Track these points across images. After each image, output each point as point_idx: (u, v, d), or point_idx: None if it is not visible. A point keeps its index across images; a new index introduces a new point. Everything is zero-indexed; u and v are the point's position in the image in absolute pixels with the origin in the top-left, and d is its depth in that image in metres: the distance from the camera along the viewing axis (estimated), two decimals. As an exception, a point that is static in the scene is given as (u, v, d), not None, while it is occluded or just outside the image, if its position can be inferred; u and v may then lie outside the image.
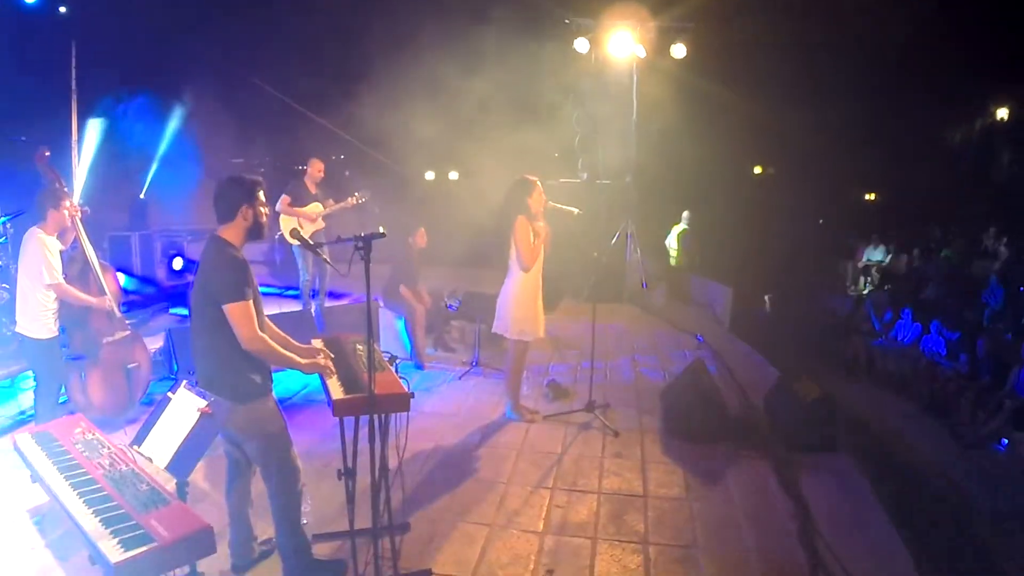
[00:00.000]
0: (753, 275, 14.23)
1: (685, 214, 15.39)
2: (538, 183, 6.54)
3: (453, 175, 21.26)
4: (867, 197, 25.71)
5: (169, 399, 3.95)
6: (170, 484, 3.76)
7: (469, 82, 12.15)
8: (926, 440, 8.74)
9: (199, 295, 3.96)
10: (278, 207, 9.81)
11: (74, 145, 11.99)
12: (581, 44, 12.97)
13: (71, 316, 6.10)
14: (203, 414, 3.79)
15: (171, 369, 7.80)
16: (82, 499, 3.56)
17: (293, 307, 10.12)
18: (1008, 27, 17.70)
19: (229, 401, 3.94)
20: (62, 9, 11.77)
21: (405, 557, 4.58)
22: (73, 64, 11.61)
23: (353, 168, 17.21)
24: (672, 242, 15.32)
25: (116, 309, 6.50)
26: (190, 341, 4.13)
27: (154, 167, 14.33)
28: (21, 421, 6.63)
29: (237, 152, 14.93)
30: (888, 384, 10.72)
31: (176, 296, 11.36)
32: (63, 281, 5.78)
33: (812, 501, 5.38)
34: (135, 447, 3.92)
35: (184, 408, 3.87)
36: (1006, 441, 8.33)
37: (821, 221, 22.26)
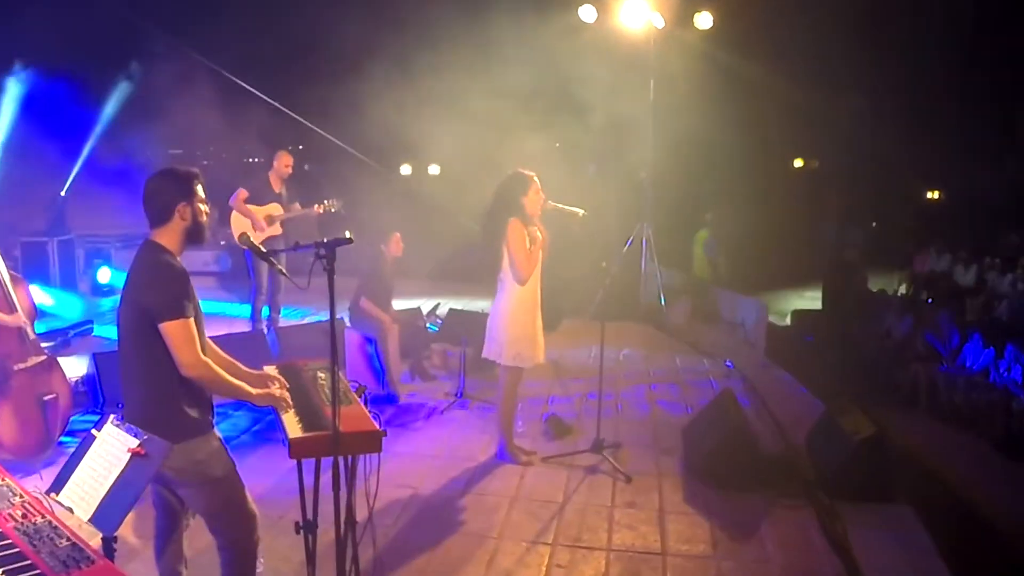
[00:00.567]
0: (791, 288, 14.28)
1: (709, 216, 15.46)
2: (535, 179, 6.56)
3: (434, 169, 21.32)
4: (929, 196, 25.84)
5: (93, 437, 3.94)
6: (94, 539, 3.75)
7: (452, 58, 12.22)
8: (1001, 487, 8.75)
9: (130, 312, 3.94)
10: (232, 202, 9.85)
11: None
12: (587, 12, 13.01)
13: (-27, 339, 6.10)
14: (134, 455, 3.78)
15: (96, 401, 7.79)
16: (-12, 558, 3.55)
17: (241, 327, 10.15)
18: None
19: (165, 439, 3.93)
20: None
21: (376, 627, 4.58)
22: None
23: (315, 161, 17.29)
24: (697, 249, 15.39)
25: (29, 330, 6.50)
26: (118, 367, 4.12)
27: (79, 161, 14.34)
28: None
29: (176, 141, 14.98)
30: (955, 419, 10.73)
31: (102, 314, 11.37)
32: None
33: (863, 560, 5.38)
34: (52, 495, 3.91)
35: (111, 448, 3.86)
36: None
37: (874, 224, 22.37)
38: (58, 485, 3.93)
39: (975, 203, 21.33)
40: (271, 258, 4.32)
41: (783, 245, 17.15)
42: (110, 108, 14.33)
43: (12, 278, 6.44)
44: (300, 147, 18.11)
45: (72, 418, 6.92)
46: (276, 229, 9.98)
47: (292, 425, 4.20)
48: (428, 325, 10.37)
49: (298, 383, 4.65)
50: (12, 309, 6.35)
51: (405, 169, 21.07)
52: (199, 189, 4.06)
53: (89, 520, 3.77)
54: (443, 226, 14.73)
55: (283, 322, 10.40)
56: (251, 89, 12.51)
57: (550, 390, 9.12)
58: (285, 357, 8.43)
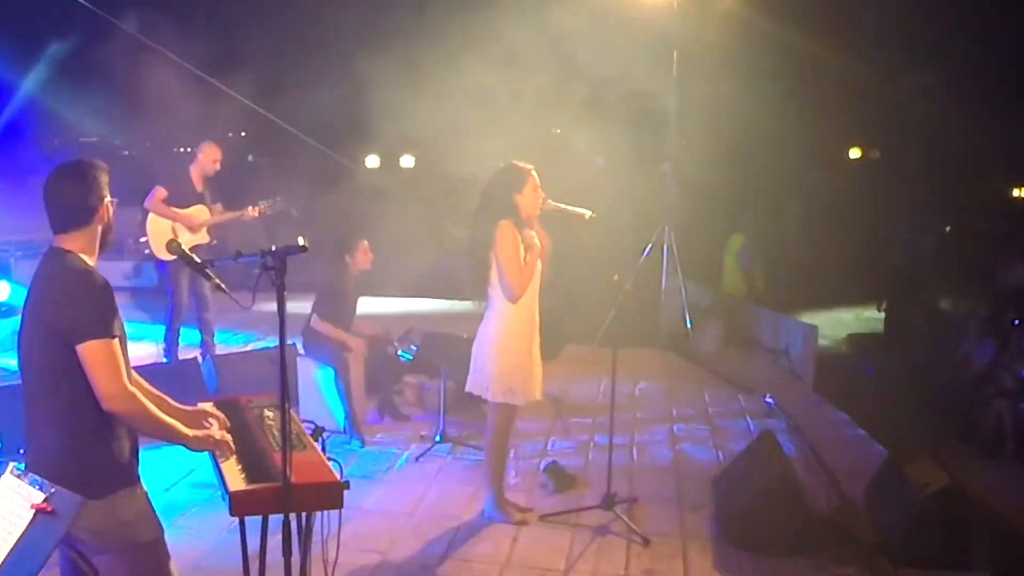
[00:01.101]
0: (847, 307, 14.30)
1: (746, 218, 15.48)
2: (533, 173, 6.58)
3: (407, 161, 21.34)
4: (1016, 194, 25.86)
5: (-11, 490, 3.96)
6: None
7: (429, 23, 12.27)
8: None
9: (37, 335, 3.91)
10: (149, 203, 9.86)
11: None
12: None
13: None
14: (39, 512, 3.78)
15: (-10, 446, 7.79)
16: None
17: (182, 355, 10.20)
18: None
19: (79, 494, 3.89)
20: None
21: None
22: None
23: (260, 151, 17.31)
24: (729, 259, 15.41)
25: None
26: (22, 404, 4.10)
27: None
28: None
29: (89, 127, 14.98)
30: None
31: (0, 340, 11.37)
32: None
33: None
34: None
35: (10, 504, 3.87)
36: None
37: (949, 229, 22.40)
38: (-57, 548, 3.93)
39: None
40: (207, 270, 4.30)
41: (837, 254, 17.15)
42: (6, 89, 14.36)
43: None
44: (243, 133, 18.14)
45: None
46: (203, 236, 10.02)
47: (233, 475, 4.20)
48: (400, 352, 10.37)
49: (241, 423, 4.66)
50: None
51: (372, 161, 21.05)
52: (107, 185, 4.07)
53: (-16, 591, 3.78)
54: (419, 231, 14.76)
55: (221, 349, 10.42)
56: (182, 62, 12.51)
57: (550, 432, 9.14)
58: (225, 392, 8.42)
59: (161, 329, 10.68)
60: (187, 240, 9.75)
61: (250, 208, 10.01)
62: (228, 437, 4.26)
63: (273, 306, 3.96)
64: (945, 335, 14.34)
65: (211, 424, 4.33)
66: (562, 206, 6.72)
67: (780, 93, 16.91)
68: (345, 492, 4.19)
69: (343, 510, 4.26)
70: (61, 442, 3.92)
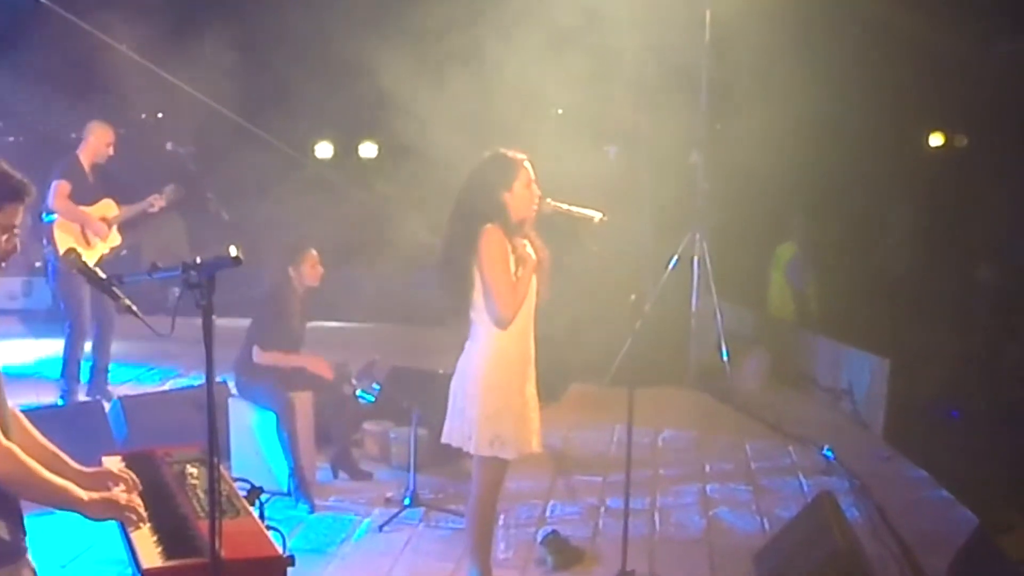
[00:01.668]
0: (928, 333, 14.31)
1: (796, 222, 15.51)
2: (527, 164, 6.58)
3: (368, 149, 21.35)
4: None
5: None
6: None
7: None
8: None
9: None
10: (52, 202, 9.89)
11: None
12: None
13: None
14: None
15: None
16: None
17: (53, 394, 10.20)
18: None
19: None
20: None
21: None
22: None
23: (180, 137, 17.31)
24: (776, 274, 15.44)
25: None
26: None
27: None
28: None
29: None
30: None
31: None
32: None
33: None
34: None
35: None
36: None
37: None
38: None
39: None
40: (114, 287, 4.28)
41: (913, 267, 17.22)
42: None
43: None
44: (159, 115, 18.15)
45: None
46: (115, 238, 10.06)
47: (147, 549, 4.21)
48: (359, 392, 10.39)
49: (156, 483, 4.67)
50: None
51: (324, 149, 21.07)
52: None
53: None
54: (383, 238, 14.77)
55: (131, 388, 10.42)
56: (86, 26, 12.55)
57: (549, 494, 9.17)
58: (136, 443, 8.45)
59: (57, 362, 10.69)
60: (100, 248, 9.80)
61: (152, 198, 10.03)
62: (137, 500, 4.20)
63: (198, 333, 3.95)
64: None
65: (117, 485, 4.31)
66: (564, 207, 6.71)
67: (841, 64, 16.97)
68: (289, 570, 4.20)
69: (287, 593, 4.28)
70: None
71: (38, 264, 12.58)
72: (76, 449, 4.50)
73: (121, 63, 13.09)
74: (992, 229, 19.89)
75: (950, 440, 11.41)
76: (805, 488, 9.52)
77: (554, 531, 8.01)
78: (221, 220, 10.98)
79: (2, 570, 3.91)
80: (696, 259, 13.27)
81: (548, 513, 8.73)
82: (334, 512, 8.62)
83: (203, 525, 4.17)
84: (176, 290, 3.85)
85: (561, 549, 7.75)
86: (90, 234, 10.07)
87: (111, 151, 10.16)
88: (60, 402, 10.28)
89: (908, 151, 23.73)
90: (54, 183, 9.91)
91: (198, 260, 3.95)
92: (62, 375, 10.52)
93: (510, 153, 6.51)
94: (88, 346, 10.57)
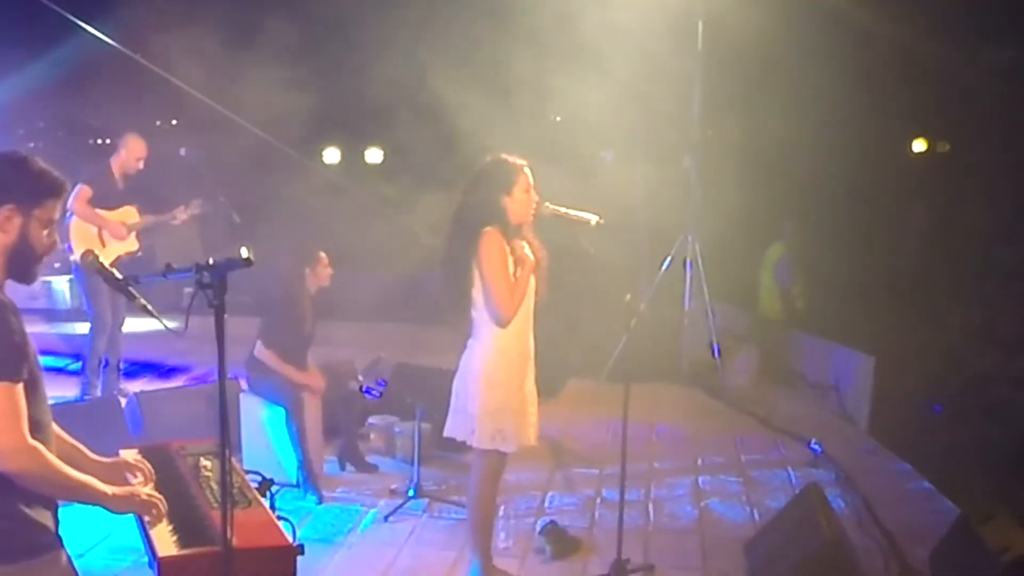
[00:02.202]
0: (911, 332, 14.31)
1: (788, 225, 15.49)
2: (526, 170, 6.58)
3: (374, 155, 21.36)
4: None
5: None
6: None
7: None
8: None
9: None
10: (72, 203, 9.90)
11: None
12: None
13: None
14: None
15: None
16: None
17: (74, 388, 10.18)
18: None
19: None
20: None
21: None
22: None
23: (194, 142, 17.30)
24: (766, 275, 15.42)
25: None
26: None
27: None
28: None
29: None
30: None
31: None
32: None
33: None
34: None
35: None
36: None
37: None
38: None
39: None
40: (131, 288, 4.25)
41: (898, 269, 17.20)
42: None
43: None
44: (174, 122, 18.14)
45: None
46: (132, 243, 10.05)
47: (163, 538, 4.20)
48: (365, 388, 10.38)
49: (171, 475, 4.67)
50: None
51: (331, 155, 21.06)
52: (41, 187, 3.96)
53: None
54: (387, 241, 14.77)
55: (144, 384, 10.42)
56: (103, 37, 12.54)
57: (548, 486, 9.16)
58: (152, 436, 8.43)
59: (75, 359, 10.69)
60: (116, 250, 9.79)
61: (177, 211, 10.04)
62: (157, 496, 4.19)
63: (210, 331, 3.95)
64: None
65: (136, 477, 4.30)
66: (562, 210, 6.72)
67: (828, 73, 16.95)
68: (299, 558, 4.20)
69: (296, 580, 4.28)
70: None
71: (57, 265, 12.58)
72: (94, 443, 4.48)
73: (141, 73, 13.09)
74: (974, 236, 19.89)
75: (933, 434, 11.41)
76: (793, 480, 9.51)
77: (552, 521, 7.99)
78: (232, 223, 10.97)
79: (47, 556, 3.93)
80: (689, 260, 13.25)
81: (547, 504, 8.72)
82: (341, 503, 8.61)
83: (216, 515, 4.17)
84: (189, 290, 3.84)
85: (559, 539, 7.74)
86: (106, 235, 10.08)
87: (141, 165, 10.17)
88: (81, 397, 10.28)
89: (891, 157, 23.73)
90: (78, 185, 9.92)
91: (210, 261, 3.94)
92: (82, 370, 10.53)
93: (510, 158, 6.53)
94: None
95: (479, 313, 6.53)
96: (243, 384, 9.13)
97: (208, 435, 4.95)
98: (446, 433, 6.80)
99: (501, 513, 7.59)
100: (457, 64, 11.95)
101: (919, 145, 25.04)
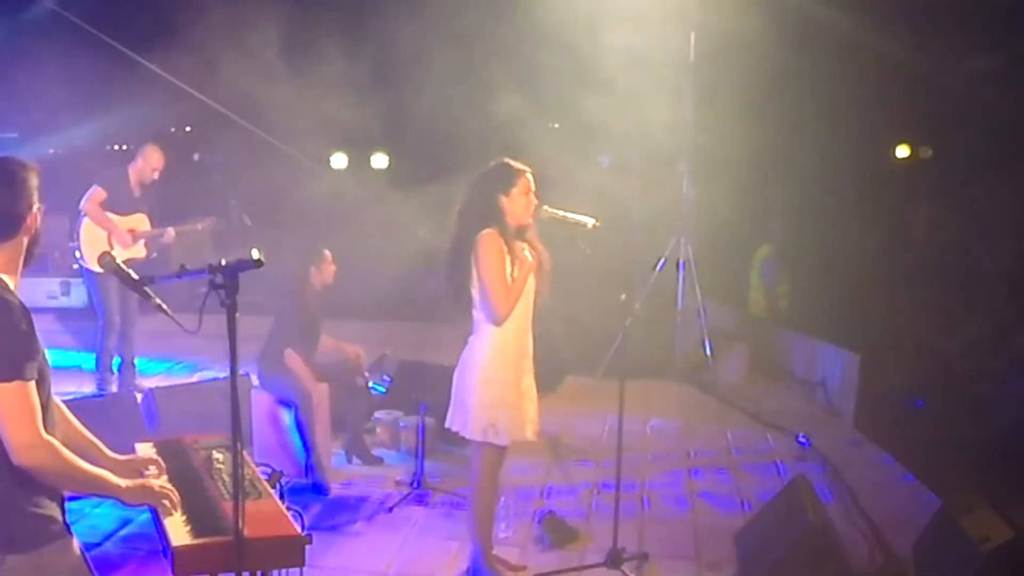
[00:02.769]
0: (895, 330, 14.30)
1: (775, 226, 15.49)
2: (527, 174, 6.57)
3: (379, 160, 21.35)
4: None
5: None
6: None
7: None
8: None
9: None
10: (85, 204, 9.90)
11: None
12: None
13: None
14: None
15: None
16: None
17: (88, 384, 10.18)
18: None
19: None
20: None
21: None
22: None
23: (207, 148, 17.29)
24: (754, 275, 15.41)
25: None
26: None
27: None
28: None
29: (10, 122, 14.98)
30: None
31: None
32: None
33: None
34: None
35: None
36: None
37: (1015, 240, 22.35)
38: None
39: None
40: (146, 288, 4.26)
41: (882, 267, 17.18)
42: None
43: None
44: (188, 129, 18.13)
45: None
46: (139, 250, 10.06)
47: (177, 528, 4.19)
48: (371, 384, 10.38)
49: (185, 467, 4.67)
50: None
51: (339, 160, 21.05)
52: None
53: None
54: (393, 242, 14.76)
55: (159, 380, 10.41)
56: (119, 47, 12.54)
57: (546, 478, 9.17)
58: (167, 431, 8.43)
59: (90, 357, 10.70)
60: (121, 253, 9.77)
61: (198, 223, 10.07)
62: (170, 488, 4.21)
63: (223, 329, 3.95)
64: (1007, 366, 14.38)
65: (149, 469, 4.31)
66: (560, 213, 6.72)
67: (815, 81, 16.93)
68: (307, 547, 4.20)
69: (304, 568, 4.28)
70: None
71: (75, 266, 12.58)
72: (111, 437, 4.50)
73: (156, 82, 13.09)
74: (954, 238, 19.87)
75: (915, 428, 11.41)
76: (782, 472, 9.52)
77: (551, 512, 8.01)
78: (244, 225, 10.97)
79: (58, 544, 3.93)
80: (682, 261, 13.26)
81: (545, 495, 8.73)
82: (348, 494, 8.62)
83: (228, 506, 4.17)
84: (203, 290, 3.83)
85: (557, 528, 7.75)
86: (114, 240, 10.08)
87: (156, 175, 10.19)
88: (97, 392, 10.29)
89: (875, 162, 23.72)
90: (92, 188, 9.94)
91: (223, 262, 3.94)
92: (96, 367, 10.54)
93: (511, 162, 6.54)
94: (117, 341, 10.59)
95: (478, 311, 6.54)
96: (254, 380, 9.12)
97: (220, 429, 4.93)
98: (446, 424, 6.82)
99: (501, 504, 7.59)
100: (459, 74, 11.94)
101: (902, 151, 25.03)
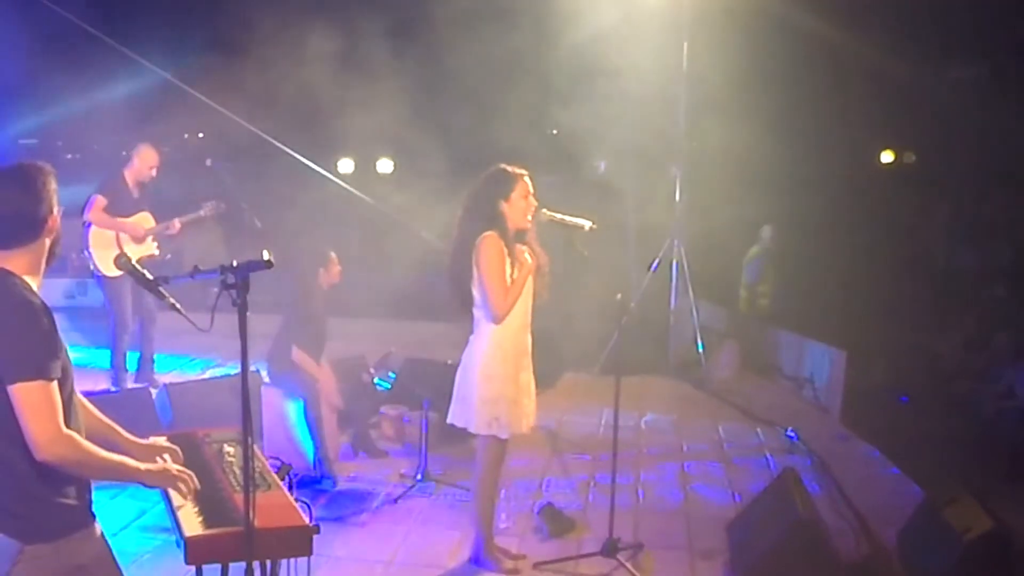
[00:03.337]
0: (880, 328, 14.30)
1: (766, 231, 15.48)
2: (525, 178, 6.57)
3: (385, 166, 21.35)
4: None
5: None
6: None
7: (411, 13, 12.28)
8: None
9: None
10: (88, 214, 9.88)
11: None
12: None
13: None
14: (-30, 561, 3.78)
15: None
16: None
17: (104, 382, 10.17)
18: None
19: (25, 538, 3.81)
20: None
21: None
22: None
23: (219, 154, 17.26)
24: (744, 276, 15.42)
25: None
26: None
27: None
28: None
29: (29, 127, 14.96)
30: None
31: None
32: None
33: None
34: None
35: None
36: None
37: (993, 241, 22.35)
38: None
39: None
40: (161, 288, 4.26)
41: (868, 267, 17.17)
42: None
43: None
44: (200, 135, 18.11)
45: None
46: (148, 247, 10.04)
47: (189, 519, 4.19)
48: (377, 380, 10.38)
49: (198, 460, 4.66)
50: None
51: (345, 165, 21.03)
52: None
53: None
54: (398, 244, 14.74)
55: (176, 376, 10.40)
56: (134, 56, 12.52)
57: (545, 470, 9.16)
58: (180, 425, 8.42)
59: (107, 354, 10.70)
60: (133, 252, 9.75)
61: (202, 211, 10.04)
62: (187, 475, 4.19)
63: (234, 327, 3.96)
64: (996, 362, 14.36)
65: (166, 456, 4.31)
66: (558, 216, 6.72)
67: (803, 89, 16.93)
68: (315, 537, 4.19)
69: (312, 557, 4.27)
70: (2, 481, 3.83)
71: (90, 267, 12.59)
72: (126, 431, 4.50)
73: (170, 90, 13.09)
74: (937, 240, 19.86)
75: (900, 423, 11.41)
76: (771, 465, 9.51)
77: (549, 503, 8.00)
78: (254, 228, 10.96)
79: (81, 532, 3.94)
80: (675, 263, 13.27)
81: (544, 487, 8.71)
82: (354, 486, 8.60)
83: (239, 498, 4.17)
84: (215, 290, 3.82)
85: (555, 519, 7.74)
86: (124, 239, 10.07)
87: (153, 173, 10.15)
88: (113, 389, 10.29)
89: (861, 166, 23.73)
90: (92, 197, 9.93)
91: (234, 263, 3.95)
92: (111, 365, 10.54)
93: (510, 168, 6.54)
94: (135, 339, 10.58)
95: (479, 310, 6.55)
96: (264, 377, 9.11)
97: (232, 424, 4.92)
98: (449, 420, 6.81)
99: (502, 496, 7.58)
100: (461, 82, 11.93)
101: (887, 156, 25.03)
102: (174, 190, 10.70)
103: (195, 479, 4.21)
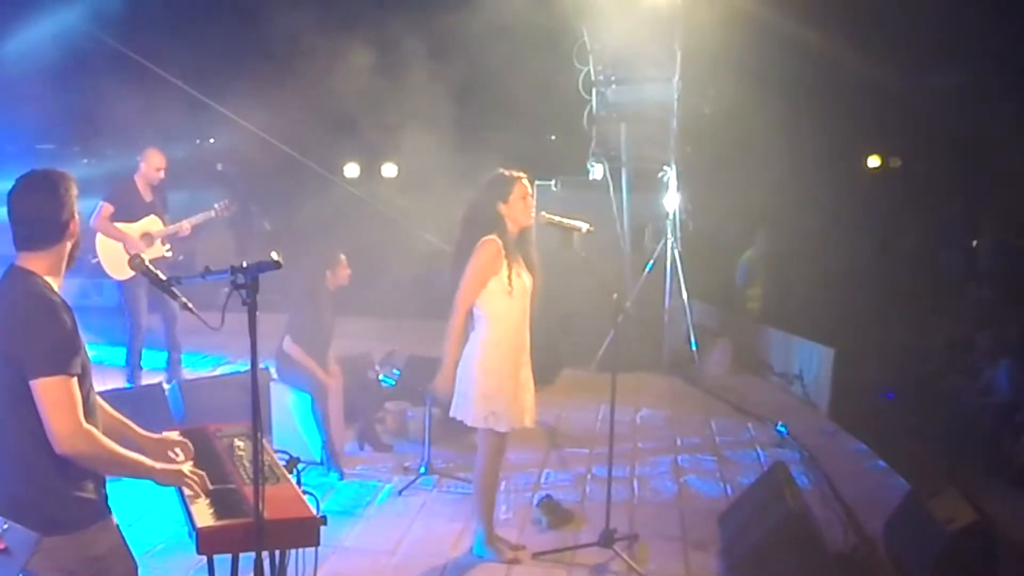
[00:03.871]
0: (867, 328, 14.30)
1: (759, 236, 15.45)
2: (523, 181, 6.57)
3: (389, 170, 21.35)
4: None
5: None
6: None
7: (414, 22, 12.27)
8: None
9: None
10: (95, 221, 9.88)
11: None
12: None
13: None
14: (-8, 551, 3.78)
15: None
16: None
17: (119, 380, 10.16)
18: None
19: (43, 530, 3.83)
20: None
21: None
22: None
23: (230, 159, 17.28)
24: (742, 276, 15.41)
25: None
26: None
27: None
28: None
29: (45, 133, 14.95)
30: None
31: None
32: None
33: None
34: None
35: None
36: None
37: (976, 243, 22.36)
38: None
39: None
40: (173, 288, 4.26)
41: (856, 270, 17.19)
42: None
43: None
44: (211, 140, 18.12)
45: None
46: (158, 250, 10.03)
47: (201, 510, 4.19)
48: (381, 377, 10.38)
49: (209, 454, 4.66)
50: None
51: (351, 169, 21.04)
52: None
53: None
54: (401, 246, 14.76)
55: (188, 373, 10.40)
56: (147, 64, 12.52)
57: (544, 464, 9.16)
58: (192, 420, 8.42)
59: (123, 352, 10.71)
60: (146, 254, 9.76)
61: (215, 208, 10.03)
62: (200, 472, 4.23)
63: (244, 326, 3.97)
64: (977, 361, 14.37)
65: (178, 455, 4.33)
66: (557, 219, 6.73)
67: (793, 95, 16.93)
68: (322, 528, 4.19)
69: (319, 548, 4.27)
70: (20, 473, 3.87)
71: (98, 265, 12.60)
72: (140, 426, 4.51)
73: (182, 97, 13.09)
74: (921, 242, 19.86)
75: (886, 418, 11.43)
76: (762, 459, 9.51)
77: (548, 495, 7.99)
78: (263, 230, 10.98)
79: (97, 524, 3.98)
80: (669, 264, 13.26)
81: (542, 480, 8.71)
82: (360, 479, 8.60)
83: (248, 490, 4.17)
84: (226, 290, 3.82)
85: (554, 511, 7.74)
86: (129, 248, 10.04)
87: (161, 175, 10.13)
88: (128, 386, 10.29)
89: (849, 171, 23.75)
90: (99, 205, 9.91)
91: (244, 264, 3.96)
92: (127, 362, 10.55)
93: (508, 171, 6.56)
94: (162, 340, 10.60)
95: (478, 308, 6.55)
96: (273, 373, 9.11)
97: (242, 419, 4.93)
98: (451, 413, 6.80)
99: (502, 488, 7.58)
100: (463, 88, 11.93)
101: (874, 161, 25.04)
102: (184, 191, 10.68)
103: (207, 480, 4.24)
